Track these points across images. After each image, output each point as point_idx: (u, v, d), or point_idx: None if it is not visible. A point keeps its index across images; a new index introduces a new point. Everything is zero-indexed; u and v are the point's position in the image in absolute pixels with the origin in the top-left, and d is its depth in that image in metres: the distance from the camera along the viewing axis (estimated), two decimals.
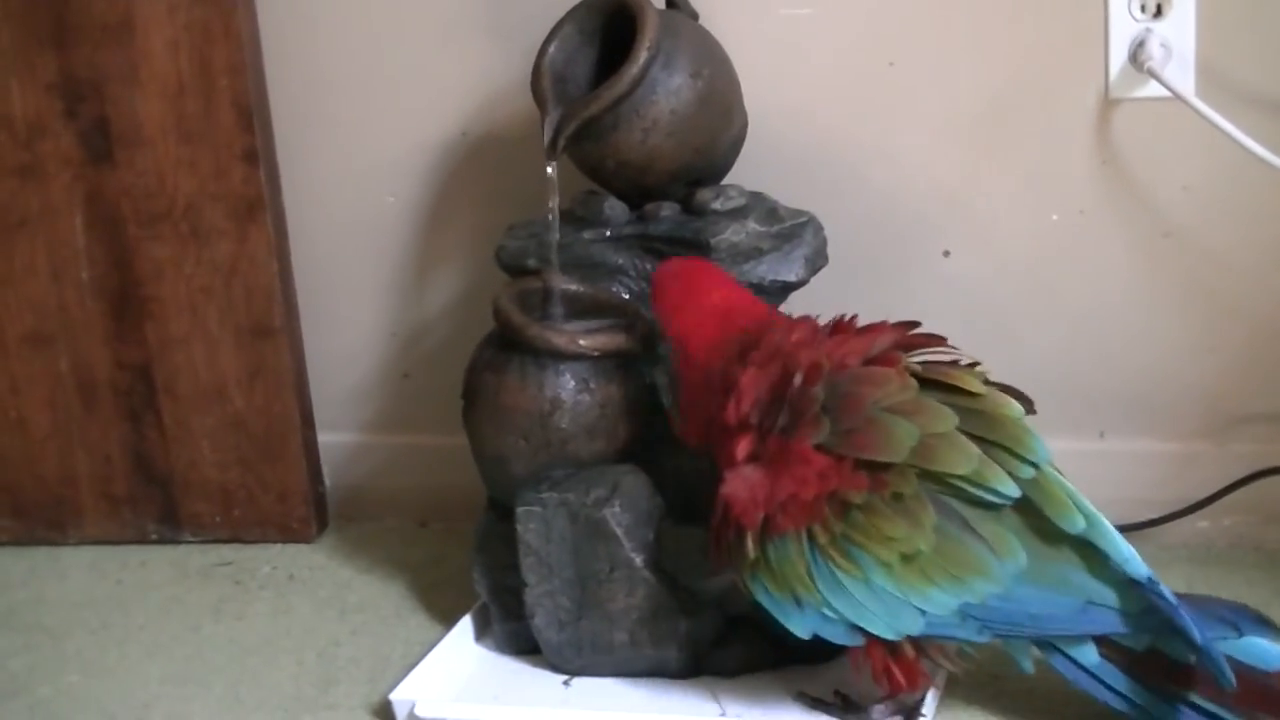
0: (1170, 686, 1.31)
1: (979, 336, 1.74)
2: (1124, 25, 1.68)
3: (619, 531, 1.49)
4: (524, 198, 1.77)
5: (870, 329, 1.41)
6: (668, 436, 1.53)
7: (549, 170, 1.58)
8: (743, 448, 1.37)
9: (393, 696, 1.52)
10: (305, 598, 1.82)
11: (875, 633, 1.34)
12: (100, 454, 1.99)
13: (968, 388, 1.34)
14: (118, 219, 1.91)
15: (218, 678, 1.65)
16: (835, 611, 1.34)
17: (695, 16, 1.69)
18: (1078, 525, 1.29)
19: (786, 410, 1.35)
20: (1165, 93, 1.66)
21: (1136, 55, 1.67)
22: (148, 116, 1.87)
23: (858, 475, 1.31)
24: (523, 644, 1.59)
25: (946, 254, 1.78)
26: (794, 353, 1.37)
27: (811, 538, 1.33)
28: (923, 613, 1.32)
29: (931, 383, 1.35)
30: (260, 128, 1.88)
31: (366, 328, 1.98)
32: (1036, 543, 1.30)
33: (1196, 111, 1.64)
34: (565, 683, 1.54)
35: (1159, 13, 1.67)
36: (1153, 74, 1.66)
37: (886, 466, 1.31)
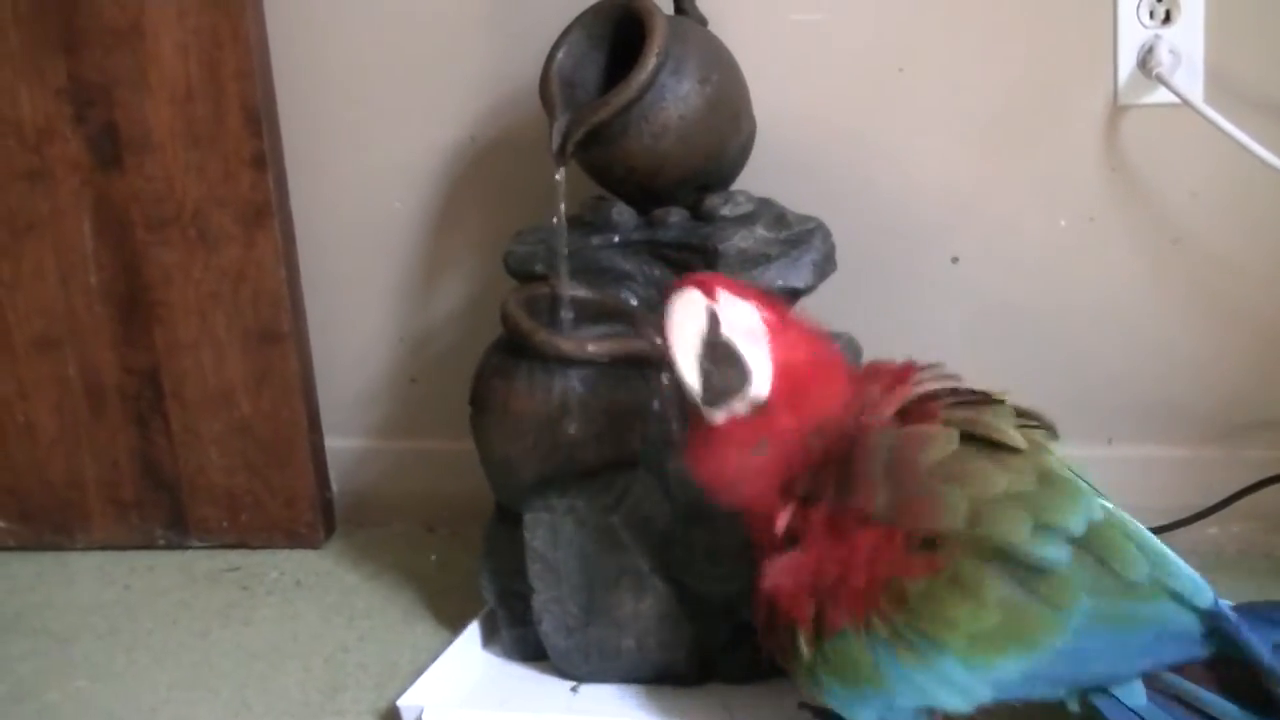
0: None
1: (986, 342, 1.75)
2: (1133, 31, 1.68)
3: (627, 538, 1.49)
4: (532, 203, 1.77)
5: (901, 374, 1.35)
6: (675, 442, 1.53)
7: (557, 176, 1.58)
8: (781, 520, 1.31)
9: (400, 702, 1.52)
10: (312, 603, 1.82)
11: (947, 710, 1.28)
12: (108, 459, 1.99)
13: (1010, 443, 1.28)
14: (126, 224, 1.91)
15: (225, 683, 1.65)
16: (907, 696, 1.28)
17: (704, 22, 1.69)
18: (1142, 573, 1.26)
19: (845, 475, 1.29)
20: (1174, 99, 1.66)
21: (1145, 61, 1.67)
22: (156, 121, 1.88)
23: (911, 556, 1.25)
24: (530, 650, 1.58)
25: (955, 260, 1.78)
26: (853, 415, 1.32)
27: (870, 629, 1.26)
28: (992, 682, 1.26)
29: (973, 437, 1.29)
30: (268, 133, 1.88)
31: (374, 333, 1.98)
32: (1100, 583, 1.25)
33: (1205, 118, 1.64)
34: (573, 689, 1.54)
35: (1168, 19, 1.67)
36: (1161, 80, 1.66)
37: (937, 542, 1.25)
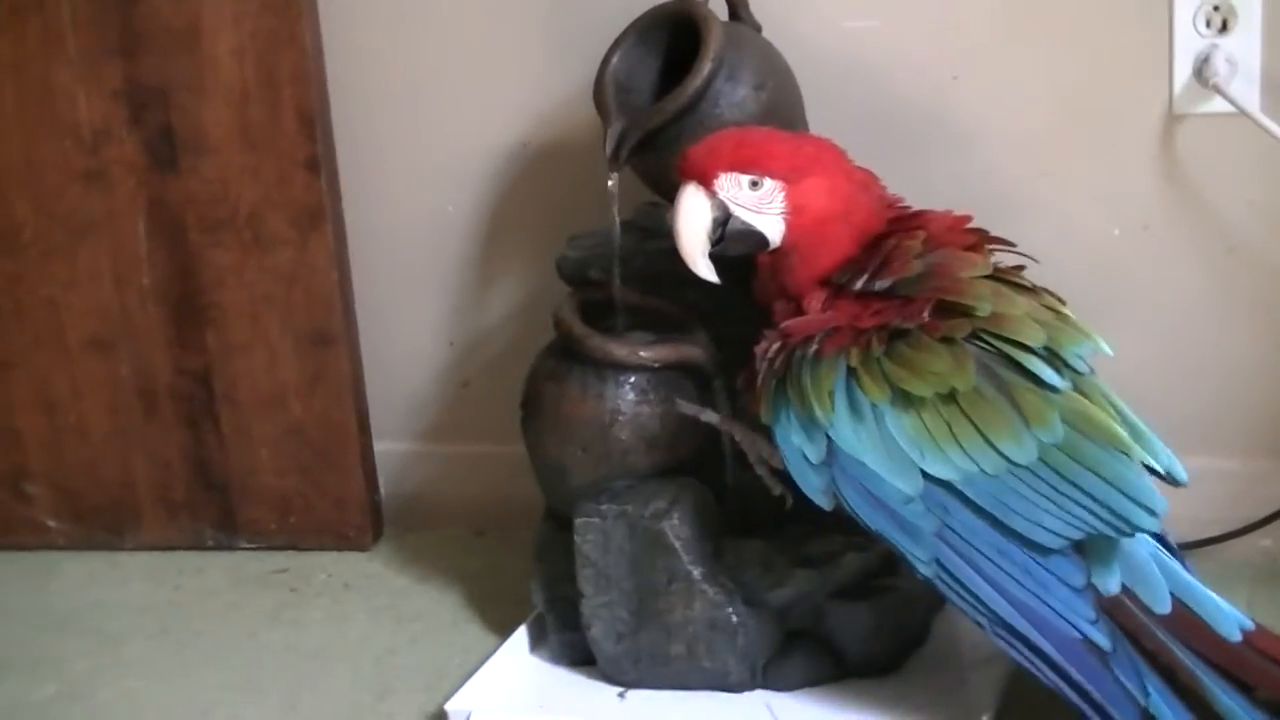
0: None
1: None
2: (1189, 41, 1.67)
3: (678, 544, 1.48)
4: (585, 208, 1.77)
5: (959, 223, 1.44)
6: (727, 450, 1.53)
7: (611, 181, 1.58)
8: (815, 299, 1.39)
9: (449, 706, 1.52)
10: (361, 606, 1.83)
11: (874, 488, 1.32)
12: (160, 460, 2.00)
13: (1032, 287, 1.39)
14: (181, 226, 1.92)
15: (275, 685, 1.66)
16: (842, 448, 1.32)
17: (758, 28, 1.68)
18: (1119, 435, 1.31)
19: (879, 258, 1.37)
20: (1230, 108, 1.65)
21: (1201, 71, 1.66)
22: (212, 124, 1.88)
23: (920, 310, 1.33)
24: (578, 655, 1.58)
25: None
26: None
27: (847, 356, 1.33)
28: (923, 476, 1.31)
29: (1009, 282, 1.38)
30: (322, 136, 1.89)
31: (425, 336, 1.99)
32: (1078, 422, 1.30)
33: (1262, 127, 1.63)
34: (620, 695, 1.54)
35: (1225, 28, 1.66)
36: (1218, 89, 1.65)
37: (953, 313, 1.32)
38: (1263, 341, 1.72)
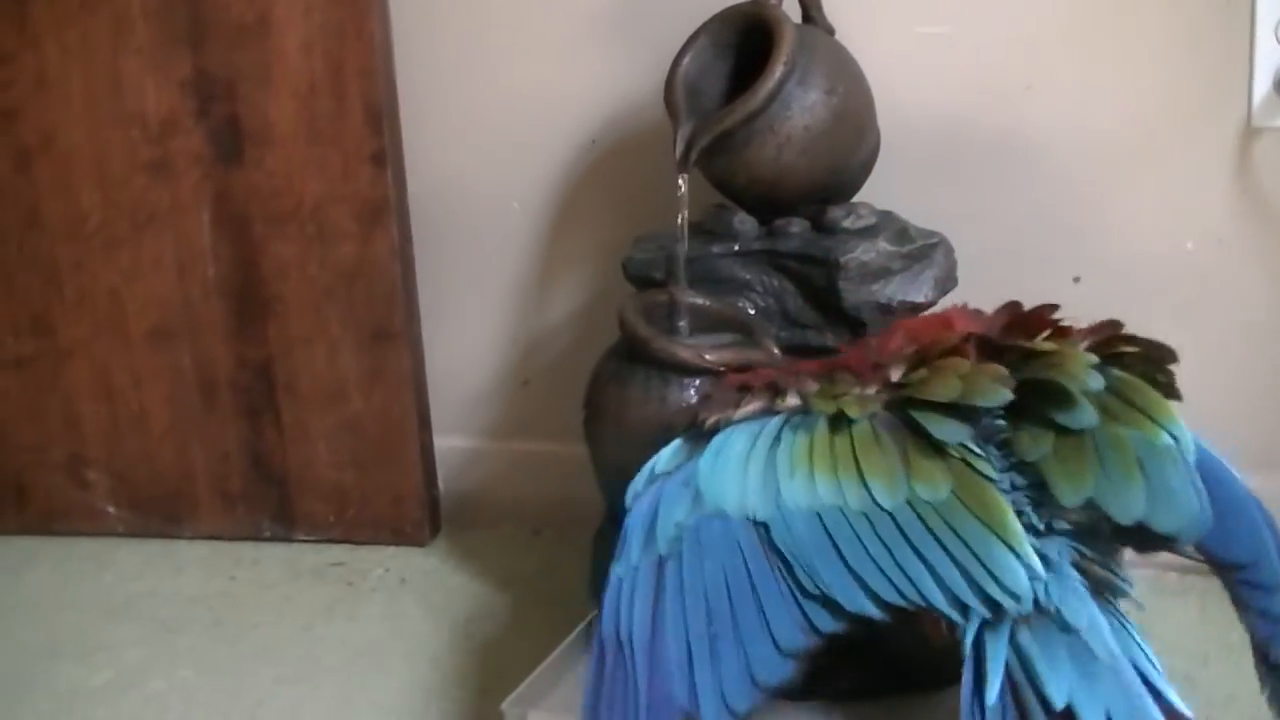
0: None
1: None
2: (1270, 53, 1.64)
3: None
4: (651, 209, 1.77)
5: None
6: None
7: (679, 183, 1.57)
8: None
9: (504, 706, 1.51)
10: (417, 602, 1.83)
11: (725, 505, 1.22)
12: (218, 450, 2.00)
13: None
14: (245, 218, 1.92)
15: (329, 679, 1.65)
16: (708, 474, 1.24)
17: (831, 31, 1.67)
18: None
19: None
20: None
21: None
22: (278, 116, 1.88)
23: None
24: None
25: (1077, 280, 1.75)
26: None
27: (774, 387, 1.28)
28: (776, 505, 1.20)
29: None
30: (389, 130, 1.88)
31: (487, 333, 1.98)
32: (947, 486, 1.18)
33: None
34: None
35: None
36: None
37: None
38: None
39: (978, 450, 1.20)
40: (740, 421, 1.28)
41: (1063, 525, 1.20)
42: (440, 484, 2.02)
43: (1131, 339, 1.31)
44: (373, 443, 1.96)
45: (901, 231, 1.61)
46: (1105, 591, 1.19)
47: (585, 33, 1.85)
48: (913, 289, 1.58)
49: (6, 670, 1.72)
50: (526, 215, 1.92)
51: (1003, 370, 1.23)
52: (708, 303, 1.58)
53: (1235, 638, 1.56)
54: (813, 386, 1.28)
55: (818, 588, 1.18)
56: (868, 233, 1.59)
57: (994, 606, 1.14)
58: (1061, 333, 1.29)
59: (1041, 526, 1.19)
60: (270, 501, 2.01)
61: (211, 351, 1.97)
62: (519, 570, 1.88)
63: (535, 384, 1.98)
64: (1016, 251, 1.75)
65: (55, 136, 1.94)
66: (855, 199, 1.66)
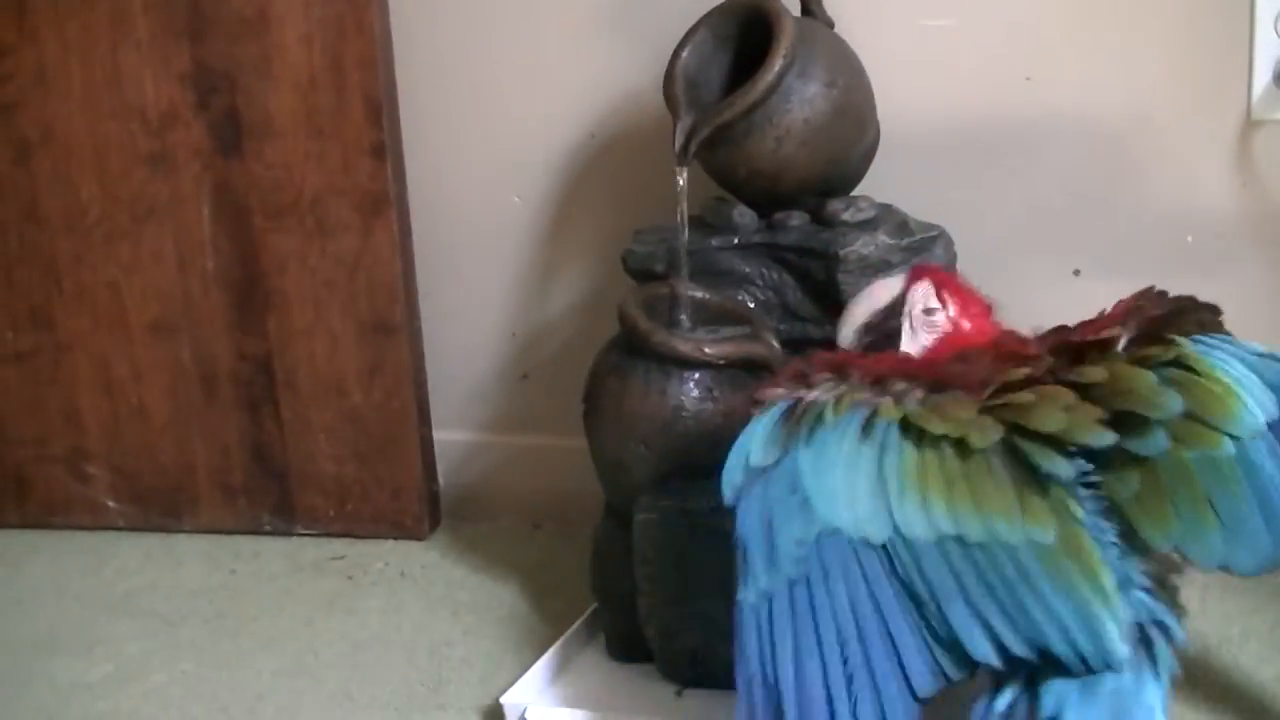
0: None
1: None
2: (1270, 46, 1.64)
3: None
4: (651, 202, 1.76)
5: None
6: None
7: (679, 176, 1.57)
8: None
9: (504, 700, 1.52)
10: (417, 595, 1.83)
11: (838, 521, 1.16)
12: (218, 444, 2.00)
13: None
14: (244, 210, 1.92)
15: (330, 673, 1.65)
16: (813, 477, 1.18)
17: (831, 24, 1.67)
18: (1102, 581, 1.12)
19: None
20: None
21: None
22: (278, 109, 1.88)
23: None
24: (636, 652, 1.57)
25: (1076, 273, 1.75)
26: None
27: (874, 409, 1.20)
28: (892, 528, 1.14)
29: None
30: (389, 123, 1.88)
31: (487, 327, 1.98)
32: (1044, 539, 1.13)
33: None
34: (677, 693, 1.53)
35: None
36: None
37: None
38: None
39: (1074, 492, 1.15)
40: (826, 402, 1.22)
41: (1143, 580, 1.15)
42: (440, 477, 2.02)
43: (1161, 335, 1.26)
44: (373, 436, 1.96)
45: (901, 224, 1.62)
46: (1160, 640, 1.15)
47: (585, 25, 1.84)
48: None
49: (7, 664, 1.72)
50: (526, 208, 1.92)
51: (1100, 411, 1.17)
52: (708, 296, 1.58)
53: (1235, 631, 1.57)
54: (917, 396, 1.21)
55: (949, 631, 1.12)
56: (868, 226, 1.59)
57: (1082, 661, 1.11)
58: (1103, 345, 1.24)
59: (1122, 578, 1.14)
60: (270, 495, 2.01)
61: (211, 345, 1.97)
62: (519, 564, 1.88)
63: (535, 377, 1.98)
64: (1017, 244, 1.75)
65: (55, 129, 1.94)
66: (855, 192, 1.66)
